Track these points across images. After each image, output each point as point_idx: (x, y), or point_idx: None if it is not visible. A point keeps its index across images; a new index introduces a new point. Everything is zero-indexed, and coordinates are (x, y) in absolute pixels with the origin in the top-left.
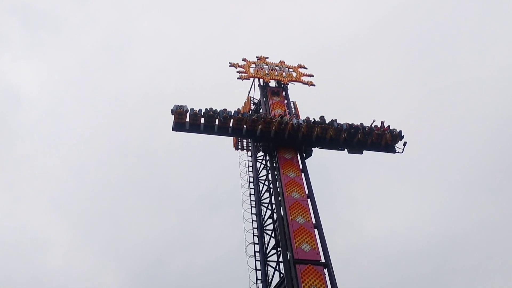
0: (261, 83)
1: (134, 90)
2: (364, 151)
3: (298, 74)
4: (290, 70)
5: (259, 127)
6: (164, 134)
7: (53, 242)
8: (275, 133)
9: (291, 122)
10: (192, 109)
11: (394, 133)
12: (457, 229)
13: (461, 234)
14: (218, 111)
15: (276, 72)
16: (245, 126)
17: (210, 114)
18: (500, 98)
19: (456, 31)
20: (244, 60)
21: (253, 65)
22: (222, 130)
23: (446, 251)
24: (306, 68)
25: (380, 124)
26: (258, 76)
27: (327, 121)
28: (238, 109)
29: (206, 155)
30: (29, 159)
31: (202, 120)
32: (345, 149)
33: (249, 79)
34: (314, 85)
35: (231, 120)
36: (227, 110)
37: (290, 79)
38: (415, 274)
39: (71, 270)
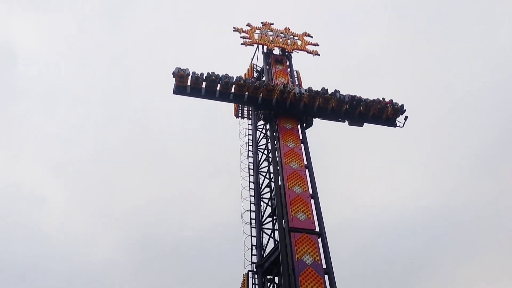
0: (265, 50)
1: (133, 51)
2: (365, 124)
3: (303, 43)
4: (295, 38)
5: (261, 94)
6: (163, 97)
7: (49, 201)
8: (276, 102)
9: (294, 91)
10: (194, 73)
11: (396, 107)
12: (451, 203)
13: (455, 207)
14: (220, 76)
15: (280, 39)
16: (246, 93)
17: (212, 79)
18: (504, 73)
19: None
20: (248, 25)
21: (257, 31)
22: (223, 96)
23: (439, 224)
24: (312, 37)
25: (382, 99)
26: (262, 42)
27: (329, 92)
28: (240, 76)
29: (205, 122)
30: (26, 118)
31: (204, 85)
32: (346, 121)
33: (253, 45)
34: (319, 55)
35: (233, 86)
36: (229, 75)
37: (295, 47)
38: (407, 246)
39: (66, 228)
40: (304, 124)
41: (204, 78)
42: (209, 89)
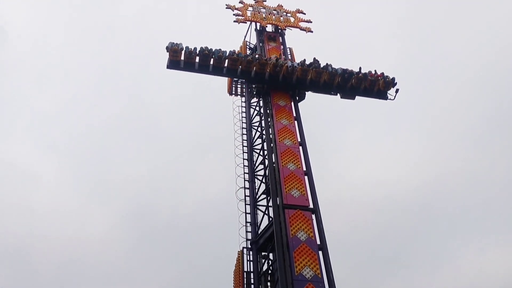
0: (258, 28)
1: (124, 27)
2: (357, 97)
3: (296, 20)
4: (288, 15)
5: (254, 68)
6: (155, 73)
7: (42, 177)
8: (269, 75)
9: (286, 64)
10: (187, 47)
11: (387, 79)
12: (442, 177)
13: (446, 181)
14: (213, 50)
15: (273, 17)
16: (240, 67)
17: (205, 53)
18: (496, 50)
19: None
20: (241, 2)
21: (250, 8)
22: (217, 70)
23: (430, 198)
24: (305, 14)
25: (374, 72)
26: (255, 19)
27: (321, 65)
28: (234, 50)
29: (198, 98)
30: (17, 94)
31: (197, 59)
32: (338, 94)
33: (246, 22)
34: (312, 32)
35: (226, 60)
36: (222, 50)
37: (288, 25)
38: (399, 219)
39: (59, 205)
40: (297, 98)
41: (198, 52)
42: (203, 63)
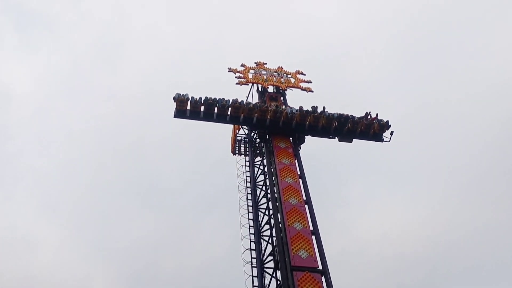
0: (260, 89)
1: (126, 89)
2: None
3: (296, 80)
4: (289, 76)
5: (255, 115)
6: (157, 133)
7: (43, 241)
8: (270, 121)
9: (286, 111)
10: (192, 97)
11: (381, 122)
12: (451, 233)
13: (454, 238)
14: (217, 99)
15: (274, 78)
16: (242, 114)
17: (210, 102)
18: (499, 99)
19: (453, 31)
20: (242, 65)
21: (251, 71)
22: (221, 118)
23: (439, 255)
24: (304, 74)
25: (368, 114)
26: (256, 81)
27: (319, 111)
28: (236, 98)
29: (201, 158)
30: (19, 157)
31: (202, 108)
32: (336, 137)
33: (248, 84)
34: (312, 91)
35: (229, 108)
36: (225, 99)
37: (289, 85)
38: (408, 279)
39: (61, 269)
40: (297, 141)
41: (202, 102)
42: (207, 112)
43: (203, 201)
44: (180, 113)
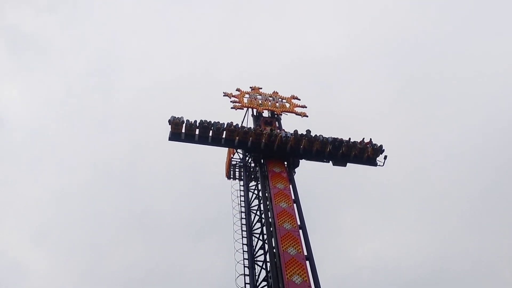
0: (255, 113)
1: (119, 114)
2: (348, 164)
3: (291, 105)
4: (284, 100)
5: (250, 138)
6: (149, 159)
7: (33, 268)
8: (265, 145)
9: (280, 134)
10: (188, 120)
11: (375, 147)
12: (446, 260)
13: (450, 265)
14: (212, 122)
15: (269, 103)
16: (237, 138)
17: (205, 125)
18: (494, 121)
19: (443, 50)
20: (238, 90)
21: (246, 95)
22: (216, 141)
23: (432, 280)
24: (299, 99)
25: (361, 140)
26: (251, 106)
27: (313, 135)
28: (231, 122)
29: (194, 183)
30: (9, 183)
31: (197, 131)
32: (330, 161)
33: (243, 109)
34: (307, 116)
35: (224, 132)
36: (220, 122)
37: (284, 110)
38: None
39: None
40: (292, 166)
41: (197, 125)
42: (202, 135)
43: (195, 227)
44: (175, 136)
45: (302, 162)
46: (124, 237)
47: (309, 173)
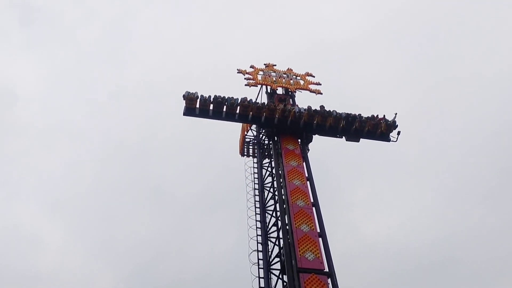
0: (269, 90)
1: (131, 87)
2: (361, 139)
3: (305, 82)
4: (298, 78)
5: (264, 114)
6: (162, 132)
7: (47, 240)
8: (278, 120)
9: (294, 110)
10: (202, 95)
11: (388, 122)
12: (456, 233)
13: (460, 238)
14: (226, 97)
15: (283, 80)
16: (251, 113)
17: (219, 101)
18: (500, 99)
19: (455, 29)
20: (252, 67)
21: (260, 72)
22: (229, 116)
23: (445, 257)
24: (314, 76)
25: (376, 115)
26: (265, 83)
27: (327, 110)
28: (245, 97)
29: (207, 158)
30: (24, 156)
31: (211, 106)
32: (343, 137)
33: (257, 86)
34: (322, 93)
35: (238, 107)
36: (234, 97)
37: (298, 87)
38: (414, 280)
39: (64, 268)
40: (305, 140)
41: (212, 100)
42: (216, 110)
43: (207, 201)
44: (189, 111)
45: (315, 138)
46: (137, 210)
47: (322, 150)
